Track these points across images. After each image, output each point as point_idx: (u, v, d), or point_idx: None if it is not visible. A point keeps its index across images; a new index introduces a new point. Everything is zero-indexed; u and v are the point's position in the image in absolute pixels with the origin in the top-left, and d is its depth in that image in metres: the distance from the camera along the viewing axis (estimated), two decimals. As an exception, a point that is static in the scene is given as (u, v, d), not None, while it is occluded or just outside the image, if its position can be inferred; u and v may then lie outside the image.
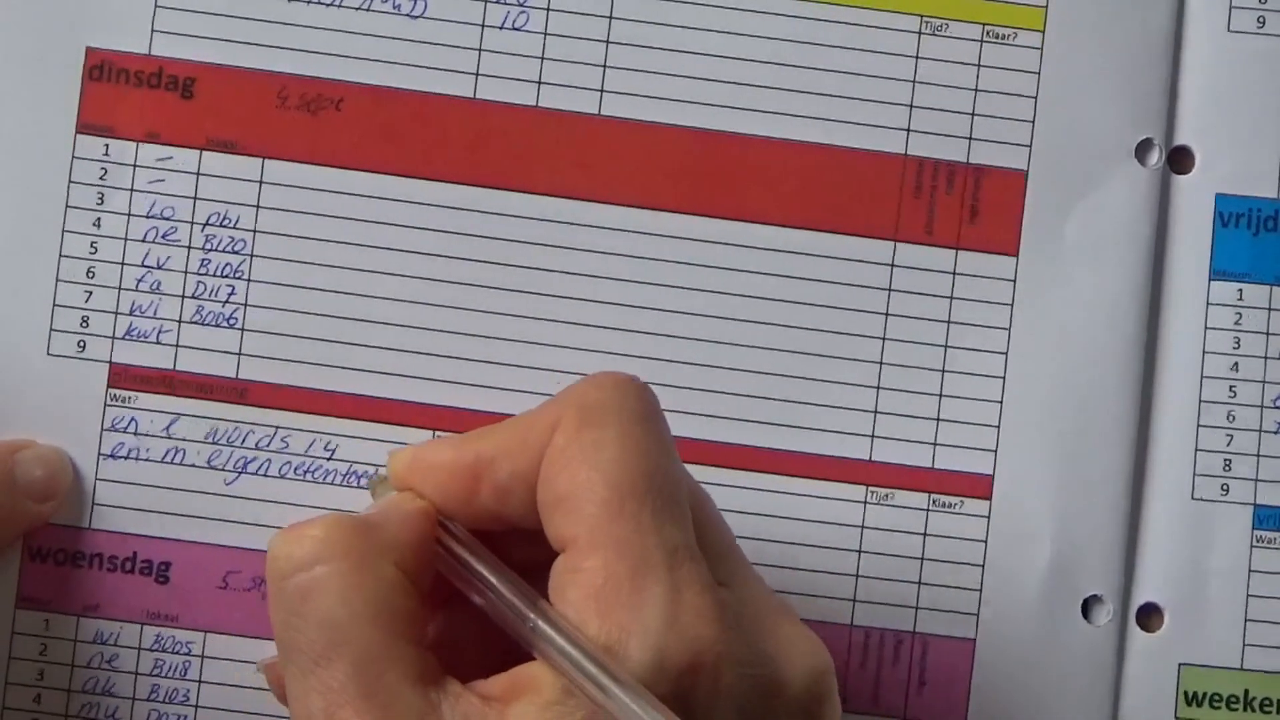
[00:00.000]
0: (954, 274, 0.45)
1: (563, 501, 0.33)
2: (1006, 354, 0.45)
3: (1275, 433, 0.44)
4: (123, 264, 0.44)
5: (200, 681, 0.44)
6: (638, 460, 0.33)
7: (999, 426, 0.44)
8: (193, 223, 0.44)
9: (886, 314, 0.45)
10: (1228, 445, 0.44)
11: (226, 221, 0.44)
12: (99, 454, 0.44)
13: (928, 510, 0.44)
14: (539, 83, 0.45)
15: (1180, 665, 0.44)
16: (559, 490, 0.33)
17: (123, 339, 0.44)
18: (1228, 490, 0.44)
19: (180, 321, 0.44)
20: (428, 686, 0.33)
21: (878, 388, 0.45)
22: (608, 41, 0.45)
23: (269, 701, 0.44)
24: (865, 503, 0.44)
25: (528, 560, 0.35)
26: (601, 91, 0.45)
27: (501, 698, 0.33)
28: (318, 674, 0.33)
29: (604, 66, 0.45)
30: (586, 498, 0.33)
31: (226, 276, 0.44)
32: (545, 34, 0.45)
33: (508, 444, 0.35)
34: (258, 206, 0.44)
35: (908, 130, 0.45)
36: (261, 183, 0.44)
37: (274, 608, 0.34)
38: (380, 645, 0.33)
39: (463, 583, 0.35)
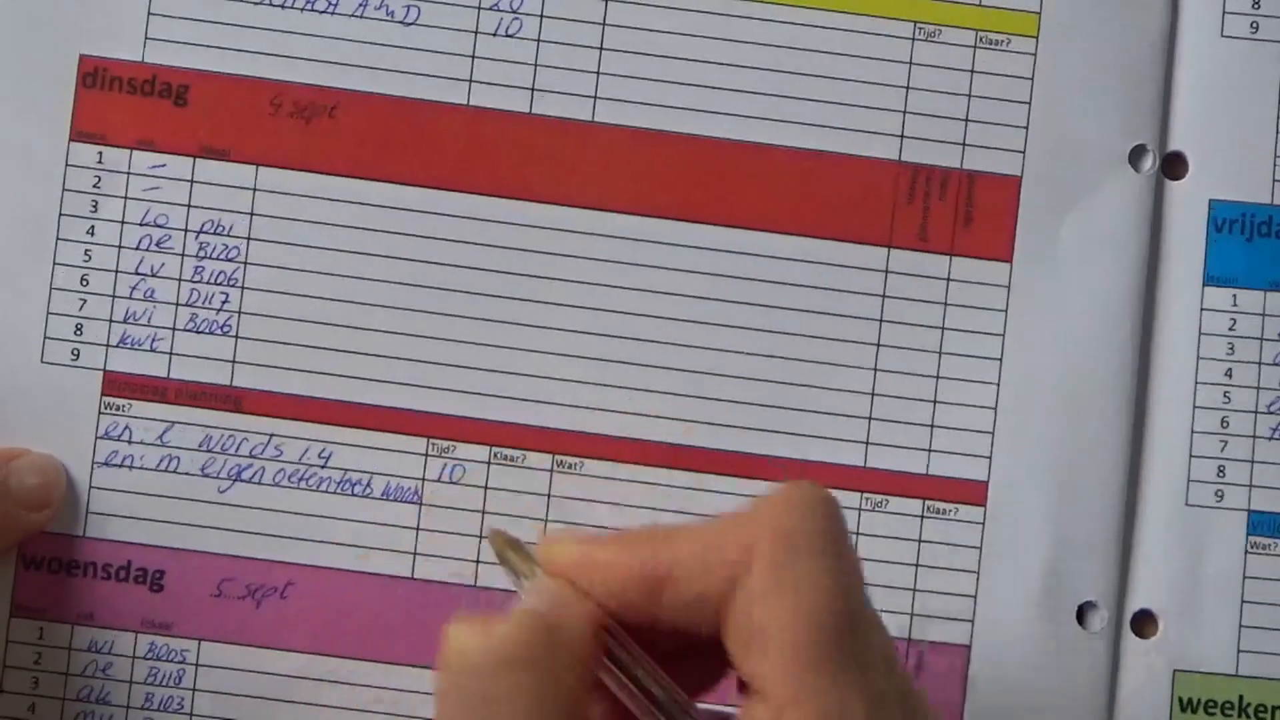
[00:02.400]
0: (948, 280, 0.45)
1: (758, 641, 0.31)
2: (1001, 360, 0.45)
3: (1269, 438, 0.44)
4: (116, 271, 0.44)
5: (195, 690, 0.44)
6: (840, 600, 0.32)
7: (993, 433, 0.44)
8: (186, 230, 0.44)
9: (880, 320, 0.45)
10: (1222, 451, 0.44)
11: (220, 229, 0.44)
12: (93, 462, 0.44)
13: (922, 516, 0.44)
14: (532, 89, 0.45)
15: (1175, 671, 0.44)
16: (754, 627, 0.32)
17: (117, 347, 0.44)
18: (1222, 496, 0.44)
19: (174, 329, 0.44)
20: None
21: (872, 394, 0.44)
22: (601, 48, 0.45)
23: (264, 710, 0.44)
24: (860, 509, 0.44)
25: (697, 672, 0.35)
26: (595, 98, 0.45)
27: None
28: None
29: (597, 73, 0.45)
30: (786, 641, 0.31)
31: (220, 284, 0.44)
32: (539, 41, 0.45)
33: (692, 559, 0.33)
34: (251, 214, 0.44)
35: (901, 136, 0.45)
36: (255, 190, 0.44)
37: (449, 703, 0.32)
38: None
39: (631, 700, 0.33)
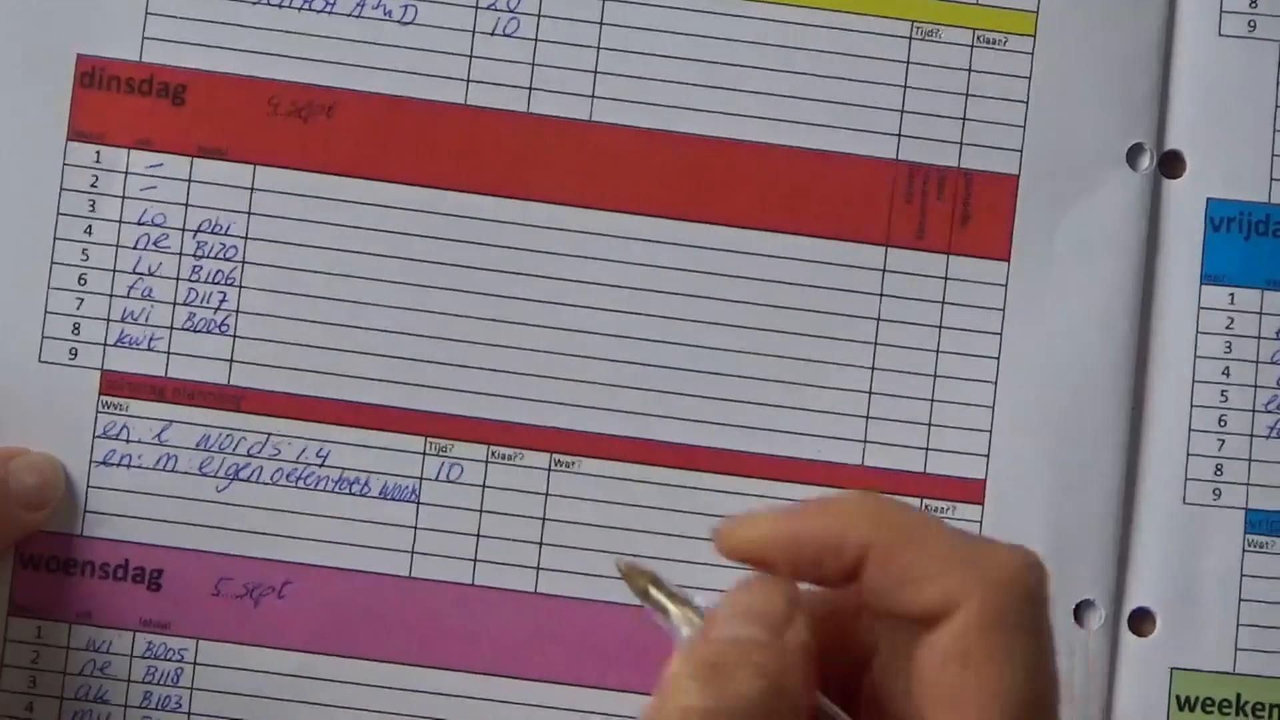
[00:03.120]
0: (945, 279, 0.45)
1: (954, 704, 0.31)
2: (998, 359, 0.45)
3: (1267, 437, 0.44)
4: (114, 271, 0.44)
5: (193, 689, 0.44)
6: (1041, 682, 0.31)
7: (991, 431, 0.44)
8: (184, 229, 0.44)
9: (878, 319, 0.45)
10: (1219, 450, 0.44)
11: (218, 228, 0.44)
12: (91, 461, 0.44)
13: (920, 515, 0.44)
14: (530, 89, 0.45)
15: (1172, 670, 0.44)
16: (952, 687, 0.31)
17: (114, 346, 0.44)
18: (1219, 495, 0.44)
19: (172, 328, 0.44)
20: None
21: (869, 393, 0.45)
22: (599, 47, 0.45)
23: (261, 709, 0.44)
24: (857, 508, 0.44)
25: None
26: (593, 97, 0.45)
27: None
28: None
29: (595, 72, 0.45)
30: (978, 713, 0.31)
31: (218, 283, 0.44)
32: (536, 40, 0.45)
33: (900, 561, 0.32)
34: (249, 213, 0.44)
35: (899, 135, 0.45)
36: (253, 189, 0.44)
37: None
38: None
39: None
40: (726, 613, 0.33)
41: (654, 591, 0.34)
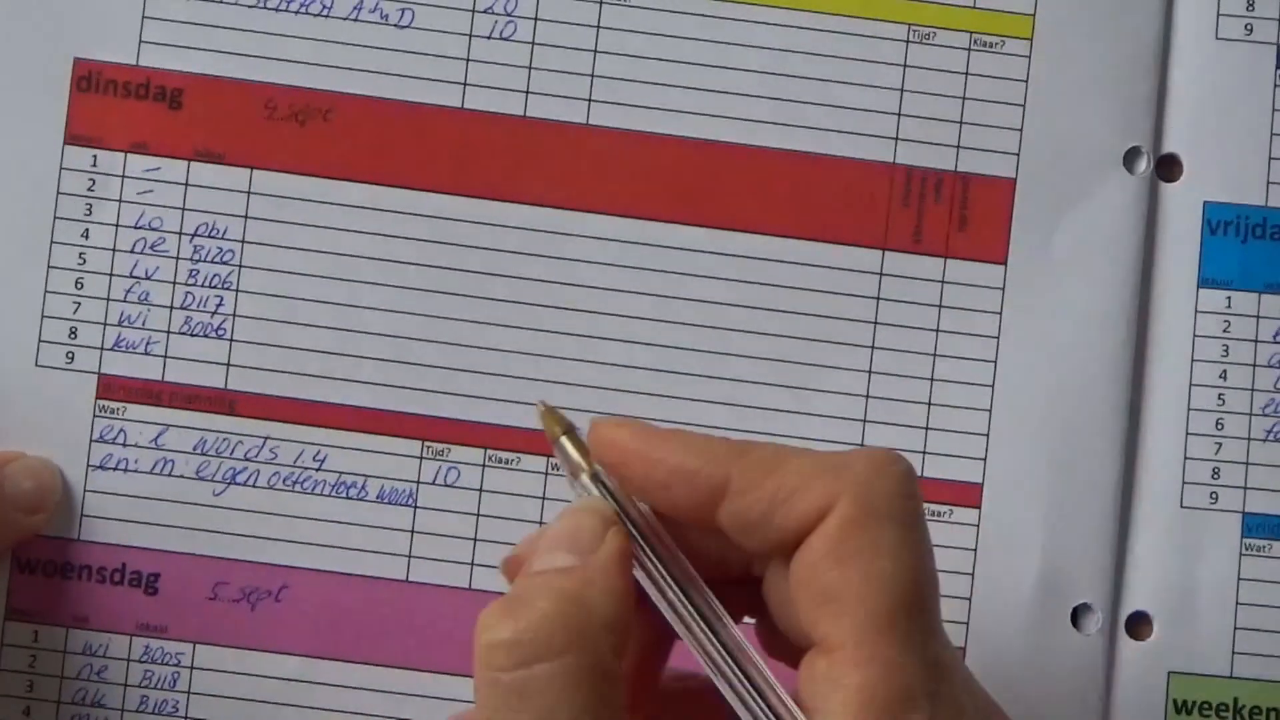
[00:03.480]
0: (942, 282, 0.45)
1: (830, 600, 0.32)
2: (995, 362, 0.44)
3: (1264, 440, 0.44)
4: (111, 275, 0.44)
5: (190, 693, 0.44)
6: (915, 569, 0.32)
7: (988, 435, 0.44)
8: (181, 233, 0.44)
9: (875, 322, 0.45)
10: (1217, 453, 0.44)
11: (215, 232, 0.44)
12: (88, 465, 0.44)
13: (917, 519, 0.44)
14: (527, 92, 0.45)
15: (1170, 673, 0.44)
16: (826, 585, 0.32)
17: (111, 350, 0.44)
18: (1217, 498, 0.44)
19: (169, 332, 0.44)
20: None
21: (866, 396, 0.44)
22: (595, 51, 0.45)
23: (258, 713, 0.44)
24: (854, 512, 0.44)
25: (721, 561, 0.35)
26: (589, 101, 0.45)
27: None
28: None
29: (591, 76, 0.45)
30: (857, 604, 0.32)
31: (215, 287, 0.44)
32: (533, 44, 0.45)
33: (766, 488, 0.33)
34: (246, 217, 0.44)
35: (896, 139, 0.45)
36: (250, 193, 0.44)
37: (486, 694, 0.32)
38: None
39: (662, 601, 0.34)
40: (541, 546, 0.34)
41: (565, 442, 0.35)
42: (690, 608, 0.33)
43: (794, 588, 0.33)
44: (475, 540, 0.44)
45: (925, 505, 0.44)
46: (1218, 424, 0.44)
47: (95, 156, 0.44)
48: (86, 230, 0.44)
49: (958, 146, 0.45)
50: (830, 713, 0.31)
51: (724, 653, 0.33)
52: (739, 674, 0.33)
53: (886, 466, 0.33)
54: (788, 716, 0.32)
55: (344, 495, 0.44)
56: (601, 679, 0.32)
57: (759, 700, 0.33)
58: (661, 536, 0.34)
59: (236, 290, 0.44)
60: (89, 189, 0.44)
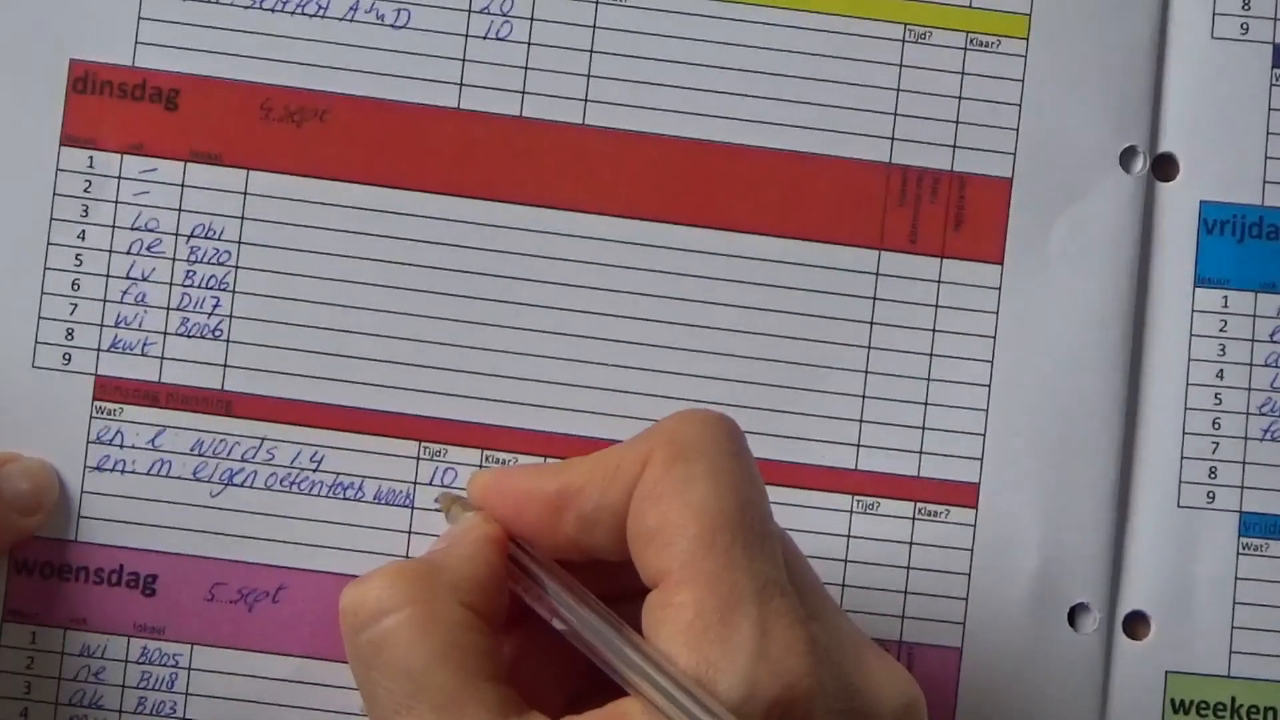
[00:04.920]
0: (939, 282, 0.45)
1: (654, 536, 0.33)
2: (992, 362, 0.45)
3: (1261, 439, 0.44)
4: (107, 276, 0.44)
5: (187, 694, 0.44)
6: (729, 495, 0.33)
7: (985, 434, 0.44)
8: (177, 235, 0.44)
9: (871, 323, 0.45)
10: (1213, 452, 0.44)
11: (211, 233, 0.44)
12: (85, 466, 0.44)
13: (914, 519, 0.44)
14: (523, 93, 0.45)
15: (1167, 673, 0.44)
16: (649, 525, 0.34)
17: (108, 351, 0.44)
18: (1214, 498, 0.44)
19: (165, 333, 0.44)
20: None
21: (863, 396, 0.44)
22: (591, 51, 0.45)
23: (256, 714, 0.44)
24: (851, 512, 0.44)
25: (609, 593, 0.36)
26: (585, 101, 0.45)
27: None
28: None
29: (588, 76, 0.45)
30: (678, 532, 0.33)
31: (211, 288, 0.44)
32: (529, 44, 0.45)
33: (595, 476, 0.35)
34: (242, 218, 0.44)
35: (892, 139, 0.45)
36: (246, 194, 0.44)
37: (352, 662, 0.34)
38: (458, 687, 0.33)
39: (545, 609, 0.35)
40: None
41: (454, 506, 0.38)
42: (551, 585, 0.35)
43: (632, 549, 0.34)
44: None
45: (921, 505, 0.44)
46: (1214, 423, 0.44)
47: (91, 158, 0.44)
48: (83, 231, 0.44)
49: (953, 146, 0.45)
50: (663, 635, 0.32)
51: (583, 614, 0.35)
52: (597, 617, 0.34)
53: (693, 417, 0.35)
54: (631, 648, 0.33)
55: (341, 496, 0.44)
56: (454, 628, 0.33)
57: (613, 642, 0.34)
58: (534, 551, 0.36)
59: (233, 291, 0.44)
60: (85, 190, 0.44)
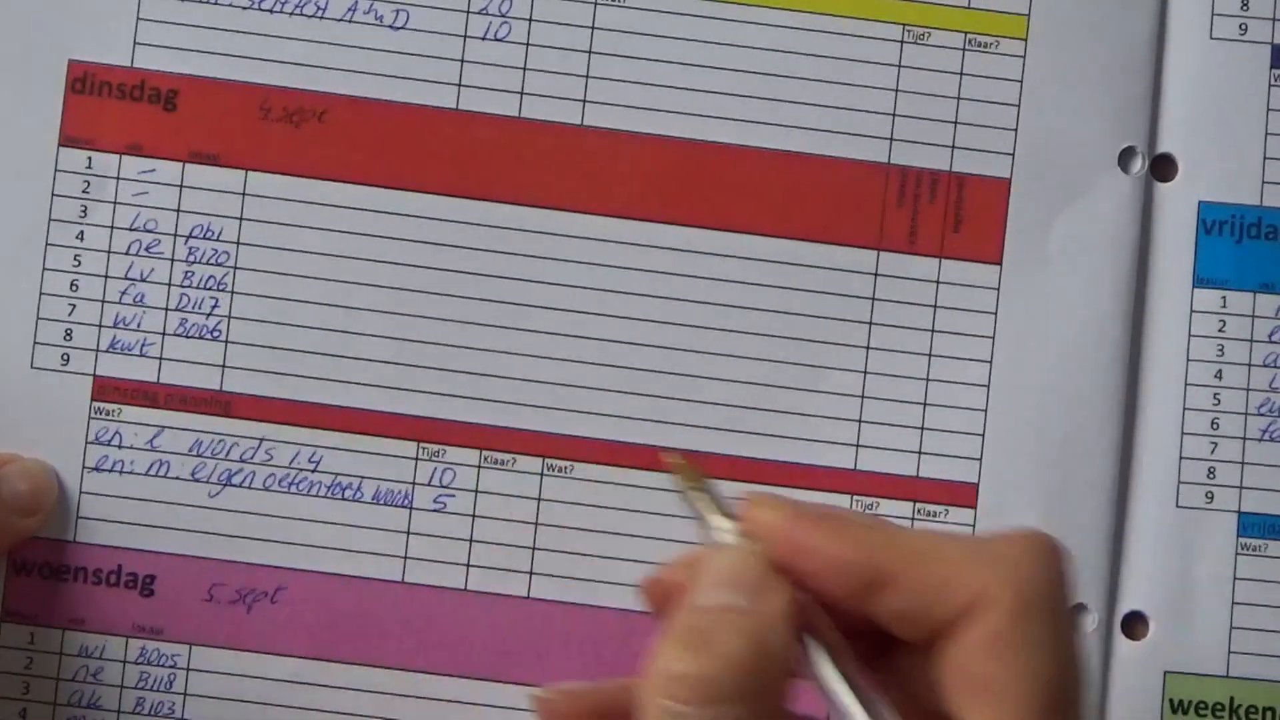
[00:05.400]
0: (938, 283, 0.45)
1: (984, 690, 0.32)
2: (990, 362, 0.45)
3: (1259, 440, 0.44)
4: (106, 277, 0.44)
5: (186, 694, 0.44)
6: (1071, 670, 0.32)
7: (983, 435, 0.44)
8: (176, 235, 0.44)
9: (870, 323, 0.45)
10: (1212, 453, 0.44)
11: (210, 234, 0.44)
12: (83, 467, 0.44)
13: (913, 519, 0.44)
14: (521, 93, 0.45)
15: (1166, 673, 0.44)
16: (983, 676, 0.32)
17: (106, 352, 0.44)
18: (1212, 498, 0.44)
19: (164, 334, 0.44)
20: None
21: (862, 397, 0.44)
22: (590, 52, 0.45)
23: (254, 714, 0.44)
24: (850, 512, 0.44)
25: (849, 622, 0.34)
26: (584, 102, 0.45)
27: None
28: None
29: (586, 77, 0.45)
30: (1013, 700, 0.32)
31: (210, 289, 0.44)
32: (527, 45, 0.45)
33: (922, 577, 0.33)
34: (241, 219, 0.44)
35: (890, 139, 0.45)
36: (244, 195, 0.44)
37: None
38: None
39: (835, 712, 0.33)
40: (706, 580, 0.33)
41: (701, 501, 0.35)
42: (852, 684, 0.33)
43: (947, 673, 0.33)
44: (471, 541, 0.44)
45: (921, 505, 0.44)
46: (1213, 423, 0.44)
47: (90, 158, 0.44)
48: (81, 232, 0.44)
49: (952, 146, 0.45)
50: None
51: None
52: None
53: (1040, 552, 0.33)
54: None
55: (339, 496, 0.44)
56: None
57: None
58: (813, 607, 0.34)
59: (231, 292, 0.44)
60: (84, 191, 0.44)
